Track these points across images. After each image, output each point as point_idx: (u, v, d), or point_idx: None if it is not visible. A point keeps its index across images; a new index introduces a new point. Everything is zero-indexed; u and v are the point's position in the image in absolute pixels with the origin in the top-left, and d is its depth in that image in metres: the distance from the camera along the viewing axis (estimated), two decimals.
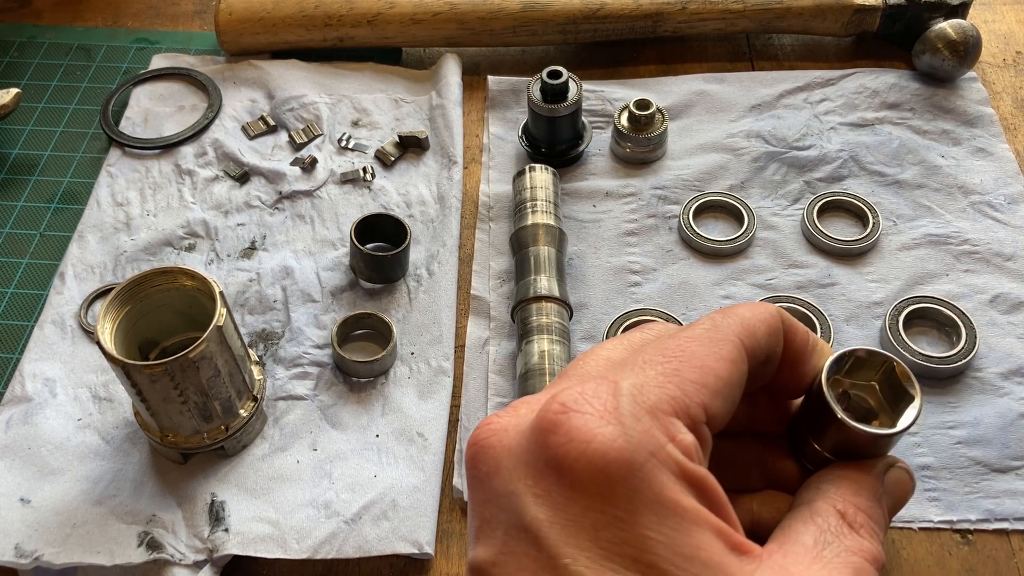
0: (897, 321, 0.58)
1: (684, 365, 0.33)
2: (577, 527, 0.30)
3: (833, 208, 0.66)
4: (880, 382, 0.40)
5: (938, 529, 0.51)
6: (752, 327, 0.36)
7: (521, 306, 0.58)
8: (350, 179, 0.68)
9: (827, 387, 0.38)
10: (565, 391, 0.32)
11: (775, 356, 0.38)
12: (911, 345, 0.57)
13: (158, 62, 0.77)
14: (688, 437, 0.32)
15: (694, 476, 0.31)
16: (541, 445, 0.31)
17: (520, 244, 0.61)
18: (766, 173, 0.68)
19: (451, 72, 0.74)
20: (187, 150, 0.70)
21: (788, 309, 0.59)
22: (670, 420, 0.32)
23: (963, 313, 0.58)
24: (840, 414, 0.37)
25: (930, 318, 0.59)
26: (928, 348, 0.58)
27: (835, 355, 0.40)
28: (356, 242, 0.60)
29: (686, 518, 0.30)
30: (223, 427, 0.51)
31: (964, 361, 0.56)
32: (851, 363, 0.40)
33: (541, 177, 0.64)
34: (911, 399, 0.38)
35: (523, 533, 0.30)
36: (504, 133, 0.72)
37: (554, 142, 0.68)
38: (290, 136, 0.71)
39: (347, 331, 0.59)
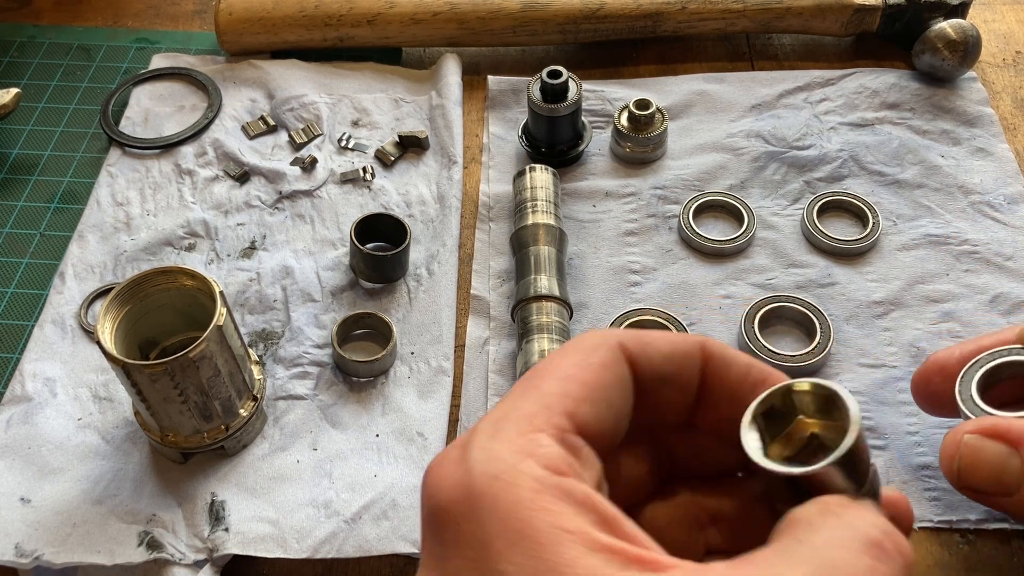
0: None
1: (544, 378, 0.31)
2: None
3: (833, 208, 0.66)
4: (823, 415, 0.34)
5: (938, 529, 0.51)
6: (646, 341, 0.33)
7: (521, 305, 0.58)
8: (350, 179, 0.68)
9: (745, 427, 0.32)
10: (441, 452, 0.31)
11: (683, 382, 0.34)
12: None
13: (158, 62, 0.77)
14: (551, 449, 0.29)
15: (559, 489, 0.28)
16: (424, 507, 0.30)
17: (520, 244, 0.61)
18: (766, 173, 0.68)
19: (451, 72, 0.74)
20: (187, 150, 0.70)
21: (788, 309, 0.59)
22: (527, 438, 0.29)
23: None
24: (754, 456, 0.31)
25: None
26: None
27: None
28: (356, 242, 0.60)
29: (542, 538, 0.26)
30: (223, 427, 0.51)
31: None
32: (806, 400, 0.33)
33: (541, 177, 0.64)
34: (844, 429, 0.30)
35: None
36: (504, 133, 0.72)
37: (554, 142, 0.68)
38: (290, 136, 0.71)
39: (347, 331, 0.59)
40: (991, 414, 0.43)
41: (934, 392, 0.48)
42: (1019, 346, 0.46)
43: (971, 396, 0.45)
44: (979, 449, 0.40)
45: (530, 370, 0.33)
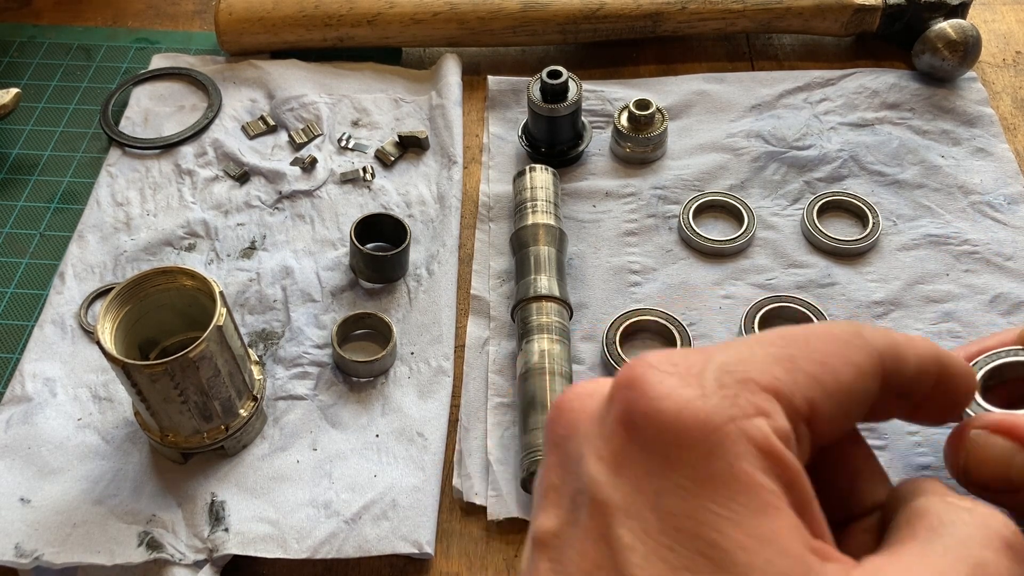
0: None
1: (802, 354, 0.29)
2: (638, 493, 0.26)
3: (833, 208, 0.66)
4: None
5: None
6: (901, 354, 0.32)
7: (521, 306, 0.58)
8: (350, 179, 0.68)
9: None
10: (654, 353, 0.29)
11: (917, 395, 0.34)
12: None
13: (158, 62, 0.77)
14: (783, 421, 0.27)
15: (782, 461, 0.27)
16: (614, 402, 0.28)
17: (520, 244, 0.61)
18: (766, 173, 0.68)
19: (451, 72, 0.74)
20: (187, 150, 0.70)
21: (788, 309, 0.59)
22: (765, 396, 0.28)
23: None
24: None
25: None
26: None
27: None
28: (356, 242, 0.60)
29: (761, 498, 0.26)
30: (223, 427, 0.51)
31: None
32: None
33: (541, 177, 0.64)
34: None
35: (584, 500, 0.27)
36: (504, 133, 0.72)
37: (554, 142, 0.68)
38: (290, 136, 0.71)
39: (347, 331, 0.59)
40: (993, 412, 0.43)
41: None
42: (1020, 347, 0.46)
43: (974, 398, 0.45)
44: (986, 445, 0.40)
45: (792, 328, 0.31)
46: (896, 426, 0.54)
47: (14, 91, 0.71)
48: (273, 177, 0.68)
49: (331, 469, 0.53)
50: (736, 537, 0.25)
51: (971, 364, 0.47)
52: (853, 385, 0.30)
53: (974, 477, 0.41)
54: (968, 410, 0.45)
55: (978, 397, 0.44)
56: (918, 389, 0.33)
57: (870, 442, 0.54)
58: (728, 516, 0.25)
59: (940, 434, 0.54)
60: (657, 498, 0.26)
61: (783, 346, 0.30)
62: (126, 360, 0.45)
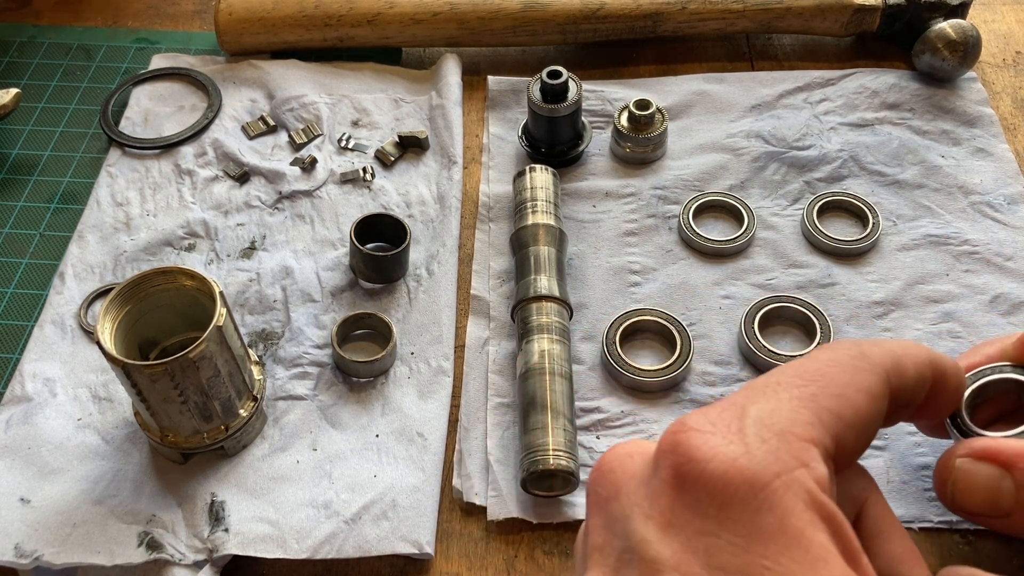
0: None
1: (822, 391, 0.30)
2: (689, 551, 0.27)
3: (833, 208, 0.66)
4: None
5: (938, 529, 0.51)
6: (902, 367, 0.33)
7: (521, 306, 0.58)
8: (350, 179, 0.68)
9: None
10: (691, 415, 0.30)
11: (917, 401, 0.35)
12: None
13: (158, 62, 0.77)
14: (822, 467, 0.28)
15: (826, 510, 0.28)
16: (659, 466, 0.29)
17: (520, 244, 0.61)
18: (766, 173, 0.68)
19: (451, 72, 0.74)
20: (187, 150, 0.70)
21: (788, 309, 0.59)
22: (803, 446, 0.28)
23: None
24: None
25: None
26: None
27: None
28: (356, 242, 0.60)
29: (812, 552, 0.26)
30: (223, 427, 0.51)
31: None
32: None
33: (541, 177, 0.64)
34: None
35: (632, 558, 0.28)
36: (504, 133, 0.72)
37: (554, 142, 0.68)
38: (290, 136, 0.71)
39: (347, 331, 0.59)
40: (981, 435, 0.43)
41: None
42: (1003, 363, 0.46)
43: (960, 417, 0.45)
44: (971, 472, 0.40)
45: (802, 365, 0.32)
46: (896, 426, 0.54)
47: (14, 91, 0.71)
48: (273, 177, 0.68)
49: (331, 469, 0.53)
50: None
51: None
52: (869, 411, 0.31)
53: (962, 504, 0.41)
54: (955, 432, 0.44)
55: (966, 418, 0.44)
56: (919, 396, 0.34)
57: None
58: (781, 570, 0.26)
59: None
60: (708, 555, 0.27)
61: (803, 385, 0.30)
62: (126, 360, 0.45)
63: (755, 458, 0.28)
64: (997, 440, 0.41)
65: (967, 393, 0.44)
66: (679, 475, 0.28)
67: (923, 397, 0.35)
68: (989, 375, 0.45)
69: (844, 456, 0.31)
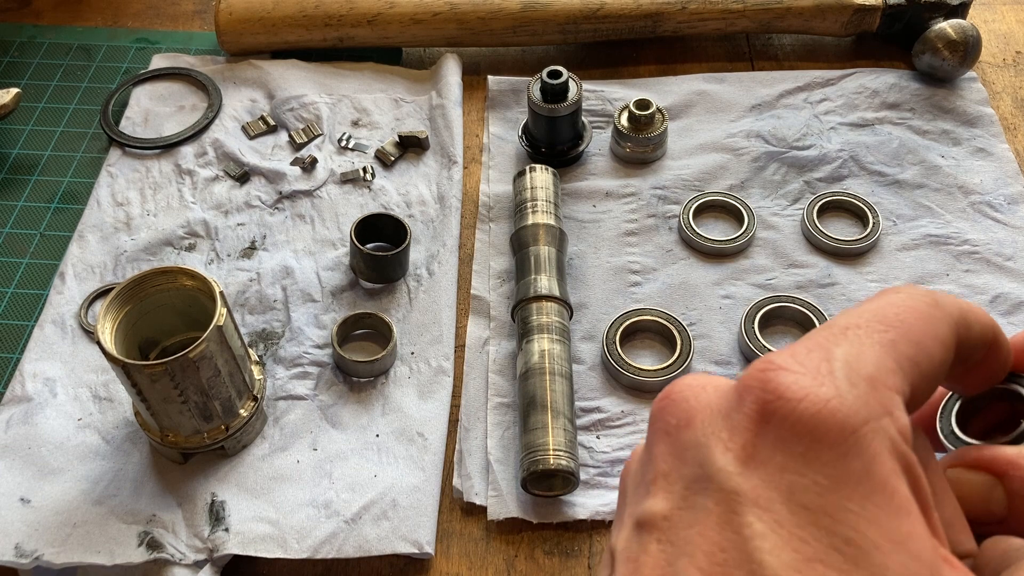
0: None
1: (902, 337, 0.30)
2: (770, 486, 0.27)
3: (833, 208, 0.66)
4: None
5: None
6: (968, 322, 0.33)
7: (521, 305, 0.58)
8: (350, 179, 0.68)
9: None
10: (776, 353, 0.30)
11: (974, 359, 0.34)
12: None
13: (158, 62, 0.77)
14: (904, 417, 0.28)
15: (907, 460, 0.28)
16: (744, 401, 0.29)
17: (520, 244, 0.61)
18: (766, 173, 0.68)
19: (451, 72, 0.74)
20: (187, 150, 0.70)
21: (788, 309, 0.59)
22: (889, 394, 0.28)
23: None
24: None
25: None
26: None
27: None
28: (356, 242, 0.60)
29: (896, 501, 0.26)
30: (223, 427, 0.51)
31: None
32: None
33: (541, 177, 0.64)
34: None
35: (707, 486, 0.28)
36: (504, 133, 0.72)
37: (554, 142, 0.68)
38: (290, 136, 0.71)
39: (347, 331, 0.59)
40: (972, 445, 0.43)
41: (925, 431, 0.48)
42: None
43: (951, 430, 0.45)
44: (963, 482, 0.40)
45: (880, 308, 0.31)
46: None
47: (14, 91, 0.71)
48: (273, 177, 0.68)
49: (331, 469, 0.53)
50: (872, 536, 0.26)
51: (947, 396, 0.46)
52: (941, 360, 0.31)
53: None
54: (948, 443, 0.44)
55: (956, 429, 0.44)
56: (977, 354, 0.34)
57: None
58: (864, 515, 0.26)
59: None
60: (791, 492, 0.27)
61: (884, 331, 0.30)
62: (126, 360, 0.45)
63: (846, 402, 0.27)
64: (989, 449, 0.41)
65: (957, 406, 0.44)
66: (766, 411, 0.28)
67: (977, 359, 0.35)
68: None
69: (913, 405, 0.30)
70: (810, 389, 0.28)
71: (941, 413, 0.45)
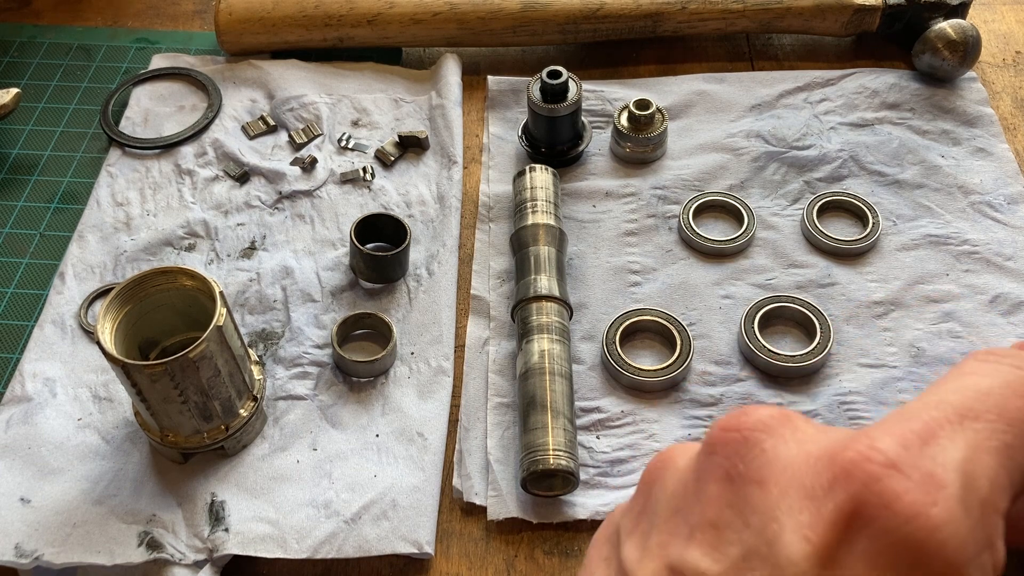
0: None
1: (1018, 440, 0.27)
2: None
3: (833, 208, 0.66)
4: None
5: None
6: None
7: (521, 306, 0.58)
8: (350, 179, 0.68)
9: None
10: (881, 436, 0.26)
11: None
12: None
13: (158, 62, 0.77)
14: (1003, 548, 0.26)
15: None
16: (837, 490, 0.25)
17: (520, 244, 0.61)
18: (766, 173, 0.68)
19: (451, 72, 0.74)
20: (187, 150, 0.70)
21: (788, 309, 0.59)
22: (996, 520, 0.26)
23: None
24: None
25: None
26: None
27: None
28: (356, 242, 0.60)
29: None
30: (223, 427, 0.51)
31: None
32: None
33: (541, 177, 0.64)
34: None
35: (766, 563, 0.25)
36: (504, 133, 0.72)
37: (554, 142, 0.68)
38: (290, 136, 0.71)
39: (347, 331, 0.59)
40: None
41: None
42: None
43: None
44: None
45: (1006, 396, 0.27)
46: None
47: (14, 91, 0.71)
48: (273, 177, 0.68)
49: (331, 469, 0.53)
50: None
51: None
52: None
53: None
54: None
55: None
56: None
57: None
58: None
59: None
60: None
61: (1004, 431, 0.27)
62: (126, 360, 0.45)
63: (959, 533, 0.24)
64: None
65: None
66: (864, 514, 0.25)
67: None
68: None
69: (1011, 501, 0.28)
70: (922, 508, 0.24)
71: None
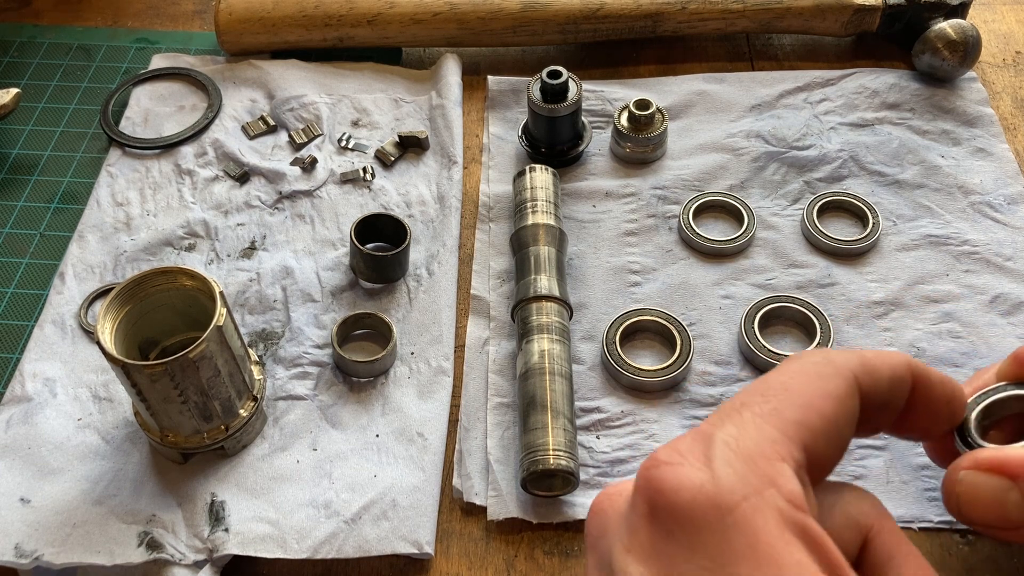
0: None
1: (785, 404, 0.31)
2: None
3: (833, 208, 0.66)
4: None
5: (938, 529, 0.51)
6: (873, 367, 0.33)
7: (521, 306, 0.58)
8: (350, 179, 0.68)
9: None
10: (661, 449, 0.31)
11: (895, 404, 0.35)
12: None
13: (158, 62, 0.77)
14: (794, 484, 0.29)
15: (800, 526, 0.28)
16: (636, 501, 0.30)
17: (520, 244, 0.61)
18: (766, 173, 0.68)
19: (451, 72, 0.74)
20: (187, 150, 0.70)
21: (788, 309, 0.59)
22: (772, 464, 0.29)
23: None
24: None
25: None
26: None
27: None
28: (356, 242, 0.60)
29: (786, 569, 0.27)
30: (223, 427, 0.51)
31: None
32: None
33: (541, 177, 0.64)
34: None
35: None
36: (504, 133, 0.72)
37: (554, 142, 0.68)
38: (290, 136, 0.71)
39: (347, 331, 0.59)
40: (986, 447, 0.42)
41: (939, 448, 0.47)
42: (1007, 383, 0.45)
43: (970, 436, 0.44)
44: (976, 485, 0.40)
45: (766, 380, 0.32)
46: None
47: (14, 91, 0.71)
48: (273, 177, 0.68)
49: (331, 469, 0.53)
50: None
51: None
52: (836, 415, 0.32)
53: (969, 516, 0.40)
54: (962, 447, 0.44)
55: (978, 438, 0.43)
56: (896, 399, 0.35)
57: (869, 441, 0.55)
58: None
59: None
60: None
61: (765, 402, 0.31)
62: (126, 360, 0.45)
63: (720, 482, 0.28)
64: (1003, 450, 0.40)
65: (975, 414, 0.44)
66: (652, 507, 0.29)
67: (903, 402, 0.35)
68: (994, 395, 0.44)
69: (819, 464, 0.31)
70: (686, 477, 0.29)
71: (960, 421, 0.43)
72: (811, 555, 0.28)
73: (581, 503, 0.52)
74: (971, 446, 0.43)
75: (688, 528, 0.28)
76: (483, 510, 0.52)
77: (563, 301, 0.58)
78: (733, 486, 0.28)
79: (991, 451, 0.40)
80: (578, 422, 0.55)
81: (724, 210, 0.66)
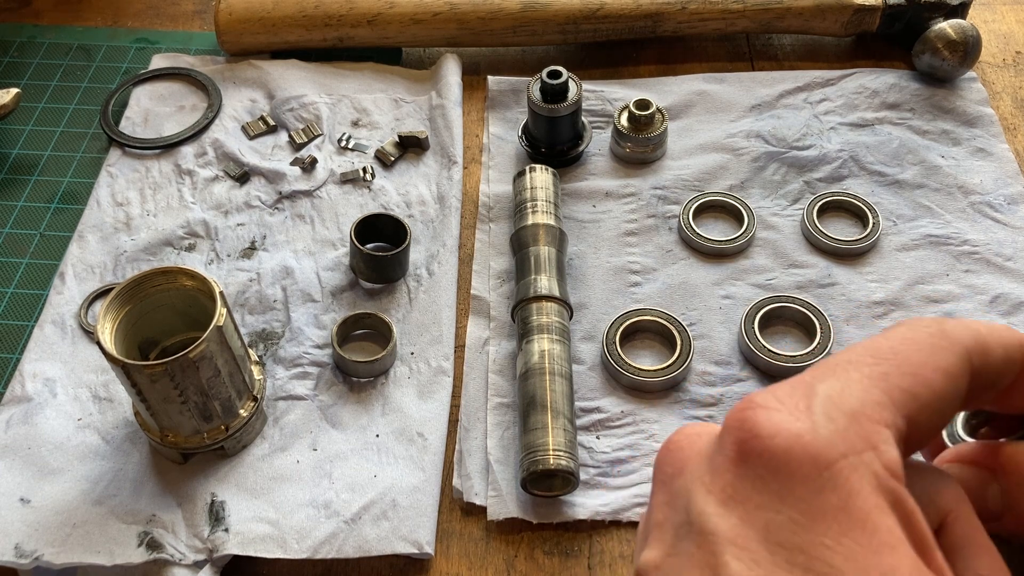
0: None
1: (895, 369, 0.30)
2: (747, 525, 0.27)
3: (833, 208, 0.66)
4: None
5: None
6: (986, 346, 0.32)
7: (521, 306, 0.58)
8: (350, 179, 0.68)
9: None
10: (758, 393, 0.30)
11: (1002, 384, 0.34)
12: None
13: (158, 62, 0.77)
14: (893, 451, 0.28)
15: (895, 495, 0.27)
16: (724, 442, 0.29)
17: (520, 244, 0.61)
18: (766, 173, 0.68)
19: (451, 72, 0.74)
20: (187, 150, 0.70)
21: (788, 309, 0.59)
22: (873, 427, 0.28)
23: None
24: None
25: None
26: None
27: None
28: (356, 242, 0.60)
29: (878, 535, 0.26)
30: (223, 427, 0.51)
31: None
32: None
33: (541, 177, 0.64)
34: None
35: (690, 531, 0.28)
36: (504, 133, 0.72)
37: (554, 142, 0.68)
38: (290, 136, 0.71)
39: (347, 331, 0.59)
40: (969, 442, 0.43)
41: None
42: None
43: (955, 431, 0.44)
44: (959, 478, 0.40)
45: (874, 341, 0.31)
46: None
47: (14, 91, 0.71)
48: (273, 177, 0.68)
49: (331, 469, 0.53)
50: (848, 572, 0.25)
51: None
52: (945, 390, 0.30)
53: None
54: (950, 444, 0.44)
55: (963, 434, 0.44)
56: (1004, 379, 0.33)
57: None
58: (841, 550, 0.26)
59: None
60: (767, 531, 0.26)
61: (874, 364, 0.30)
62: (126, 360, 0.45)
63: (821, 435, 0.27)
64: (985, 444, 0.41)
65: (962, 414, 0.44)
66: (743, 450, 0.28)
67: (1009, 381, 0.34)
68: None
69: (917, 437, 0.30)
70: (784, 424, 0.27)
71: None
72: (903, 528, 0.27)
73: (581, 503, 0.52)
74: (956, 441, 0.43)
75: (781, 477, 0.27)
76: (483, 510, 0.52)
77: (563, 301, 0.58)
78: (833, 441, 0.27)
79: (973, 445, 0.41)
80: (578, 422, 0.55)
81: (724, 210, 0.66)
